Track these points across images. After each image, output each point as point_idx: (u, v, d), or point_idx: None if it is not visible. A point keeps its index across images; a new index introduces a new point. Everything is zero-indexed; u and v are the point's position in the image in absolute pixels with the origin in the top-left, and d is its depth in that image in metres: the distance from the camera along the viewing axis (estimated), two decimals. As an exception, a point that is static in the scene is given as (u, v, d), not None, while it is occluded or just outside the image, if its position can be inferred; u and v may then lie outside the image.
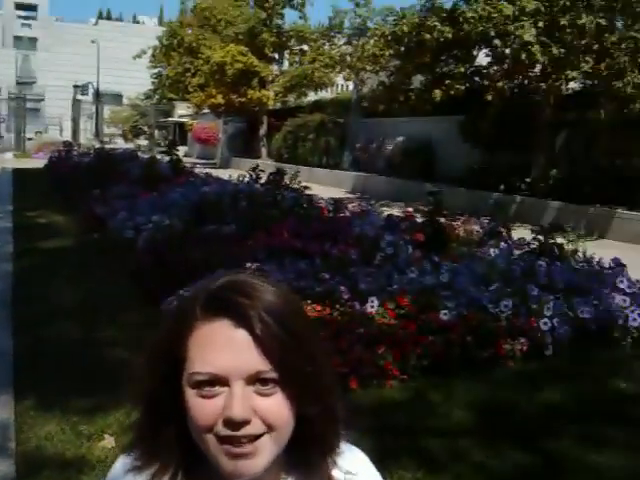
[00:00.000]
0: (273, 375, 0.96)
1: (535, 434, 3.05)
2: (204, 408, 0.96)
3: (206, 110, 29.30)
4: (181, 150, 21.08)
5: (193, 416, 0.97)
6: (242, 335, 0.96)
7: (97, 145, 23.86)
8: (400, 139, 18.23)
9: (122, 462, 1.11)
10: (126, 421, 2.87)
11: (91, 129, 46.17)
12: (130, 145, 39.35)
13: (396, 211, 8.68)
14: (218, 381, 0.96)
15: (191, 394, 0.97)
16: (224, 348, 0.96)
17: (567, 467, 2.80)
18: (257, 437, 0.96)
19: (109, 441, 2.71)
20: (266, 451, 0.97)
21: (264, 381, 0.96)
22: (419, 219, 6.27)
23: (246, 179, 7.92)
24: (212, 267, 4.59)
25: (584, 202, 11.76)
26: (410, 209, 7.21)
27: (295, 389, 0.98)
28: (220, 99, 25.18)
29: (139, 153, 16.52)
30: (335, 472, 1.08)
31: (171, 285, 4.50)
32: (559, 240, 5.62)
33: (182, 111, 38.47)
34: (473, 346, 3.80)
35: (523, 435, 3.02)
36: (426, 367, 3.64)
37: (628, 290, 4.80)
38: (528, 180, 13.50)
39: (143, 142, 44.96)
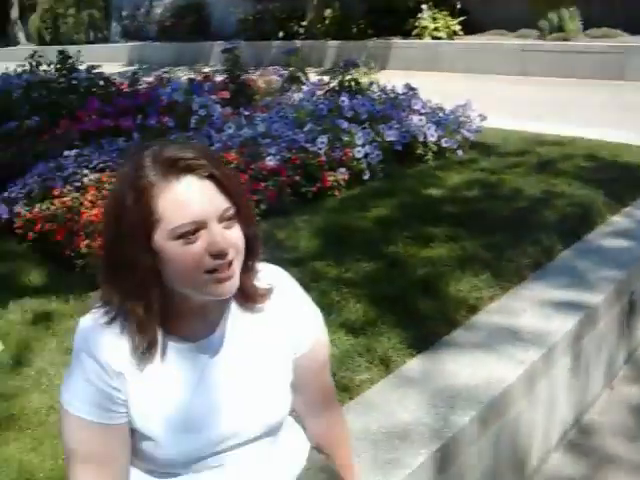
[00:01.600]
0: (232, 211, 1.21)
1: (375, 244, 3.49)
2: (191, 250, 1.18)
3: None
4: None
5: (182, 260, 1.18)
6: (206, 183, 1.19)
7: None
8: (168, 0, 17.47)
9: (95, 308, 1.29)
10: (5, 324, 2.93)
11: None
12: None
13: (185, 75, 8.59)
14: (197, 226, 1.17)
15: (174, 246, 1.18)
16: (197, 199, 1.18)
17: (408, 263, 3.29)
18: (230, 263, 1.20)
19: (-5, 346, 2.76)
20: (237, 271, 1.23)
21: (227, 217, 1.20)
22: (218, 78, 6.35)
23: (21, 69, 7.40)
24: (28, 163, 4.49)
25: (361, 37, 12.23)
26: (206, 69, 7.22)
27: (243, 218, 1.23)
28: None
29: None
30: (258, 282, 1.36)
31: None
32: (355, 75, 6.00)
33: None
34: (301, 184, 4.15)
35: (366, 248, 3.44)
36: (264, 212, 3.87)
37: (423, 110, 5.35)
38: (304, 24, 13.68)
39: None
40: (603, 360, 3.17)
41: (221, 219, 1.19)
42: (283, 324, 1.39)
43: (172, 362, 1.29)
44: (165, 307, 1.25)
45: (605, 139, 5.73)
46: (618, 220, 3.96)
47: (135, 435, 1.30)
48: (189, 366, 1.30)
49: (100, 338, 1.24)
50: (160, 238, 1.18)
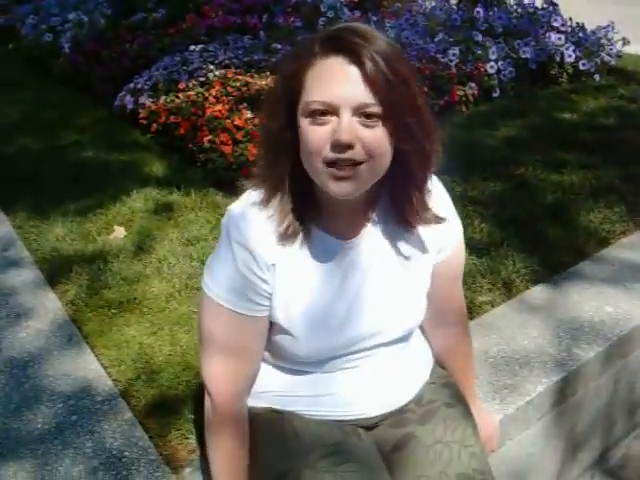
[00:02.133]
0: (377, 110, 1.09)
1: (502, 165, 3.34)
2: (316, 132, 1.10)
3: None
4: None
5: (306, 141, 1.11)
6: (354, 70, 1.09)
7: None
8: None
9: (247, 196, 1.25)
10: (128, 211, 3.00)
11: None
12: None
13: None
14: (329, 110, 1.09)
15: (305, 122, 1.11)
16: (337, 80, 1.09)
17: (537, 187, 3.13)
18: (357, 164, 1.11)
19: (119, 231, 2.83)
20: (364, 177, 1.13)
21: (368, 115, 1.09)
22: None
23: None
24: (152, 57, 4.51)
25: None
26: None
27: (395, 125, 1.11)
28: None
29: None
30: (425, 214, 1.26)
31: (112, 83, 4.42)
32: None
33: None
34: (430, 95, 3.97)
35: (492, 167, 3.30)
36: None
37: (562, 28, 4.99)
38: None
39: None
40: None
41: (356, 112, 1.09)
42: (432, 233, 1.32)
43: (320, 257, 1.26)
44: (310, 197, 1.21)
45: None
46: None
47: (272, 328, 1.29)
48: (336, 263, 1.27)
49: (252, 227, 1.21)
50: (300, 111, 1.13)
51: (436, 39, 4.47)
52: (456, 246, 1.40)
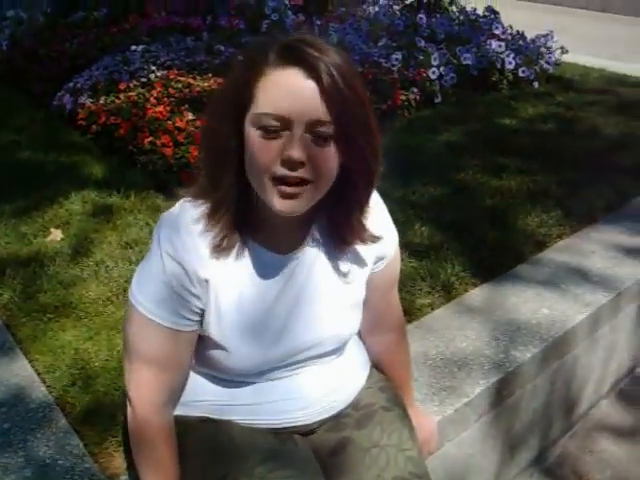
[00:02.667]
0: (330, 128, 1.06)
1: (444, 169, 3.39)
2: (266, 147, 1.06)
3: None
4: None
5: (255, 154, 1.07)
6: (311, 85, 1.05)
7: None
8: None
9: (182, 203, 1.21)
10: (65, 214, 2.93)
11: None
12: None
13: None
14: (282, 123, 1.05)
15: (255, 134, 1.07)
16: (293, 94, 1.05)
17: (476, 191, 3.19)
18: (305, 182, 1.08)
19: (56, 234, 2.76)
20: (309, 195, 1.10)
21: (320, 133, 1.06)
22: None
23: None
24: (93, 57, 4.42)
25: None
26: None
27: (346, 144, 1.08)
28: None
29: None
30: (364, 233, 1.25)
31: (51, 82, 4.32)
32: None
33: None
34: (372, 100, 3.98)
35: (433, 171, 3.34)
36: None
37: (503, 36, 5.10)
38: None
39: None
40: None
41: (309, 129, 1.05)
42: (369, 247, 1.30)
43: (256, 271, 1.23)
44: (248, 209, 1.18)
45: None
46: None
47: (206, 343, 1.26)
48: (272, 277, 1.24)
49: (185, 239, 1.16)
50: (248, 120, 1.08)
51: (379, 44, 4.51)
52: (393, 256, 1.40)
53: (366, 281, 1.36)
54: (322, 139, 1.07)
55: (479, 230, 2.81)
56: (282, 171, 1.06)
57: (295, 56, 1.06)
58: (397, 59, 4.28)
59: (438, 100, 4.38)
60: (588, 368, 2.56)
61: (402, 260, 2.41)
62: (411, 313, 2.23)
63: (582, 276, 2.57)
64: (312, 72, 1.05)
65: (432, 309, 2.31)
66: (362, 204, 1.21)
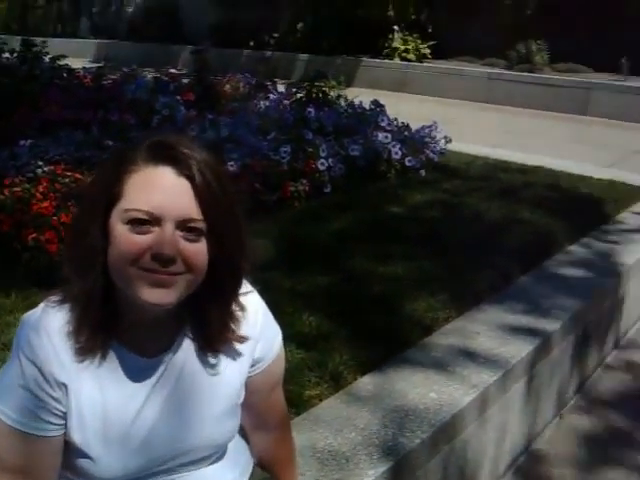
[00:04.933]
0: (201, 225, 1.08)
1: (332, 258, 3.43)
2: (135, 241, 1.06)
3: None
4: None
5: (122, 248, 1.06)
6: (183, 183, 1.07)
7: None
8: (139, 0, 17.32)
9: (45, 304, 1.18)
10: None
11: None
12: None
13: (152, 75, 8.44)
14: (152, 220, 1.06)
15: (122, 229, 1.07)
16: (164, 191, 1.06)
17: (364, 279, 3.23)
18: (176, 274, 1.08)
19: None
20: (181, 287, 1.10)
21: (191, 229, 1.07)
22: (185, 79, 6.26)
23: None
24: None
25: (331, 53, 12.26)
26: (173, 70, 7.11)
27: (216, 241, 1.10)
28: None
29: None
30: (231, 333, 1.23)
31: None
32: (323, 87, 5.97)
33: None
34: (262, 191, 4.07)
35: (322, 261, 3.38)
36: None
37: (388, 128, 5.33)
38: (276, 35, 13.67)
39: None
40: (555, 388, 3.15)
41: (180, 225, 1.07)
42: (246, 347, 1.28)
43: (120, 376, 1.18)
44: (114, 311, 1.15)
45: (567, 170, 5.79)
46: (576, 250, 3.97)
47: (70, 449, 1.20)
48: (138, 382, 1.20)
49: (45, 341, 1.12)
50: (115, 216, 1.08)
51: (269, 137, 4.62)
52: (275, 358, 1.36)
53: (245, 383, 1.32)
54: (193, 235, 1.08)
55: (367, 317, 2.84)
56: (152, 265, 1.06)
57: (166, 154, 1.08)
58: (286, 151, 4.38)
59: (327, 190, 4.50)
60: (481, 449, 2.58)
61: (290, 351, 2.42)
62: (299, 405, 2.21)
63: (469, 357, 2.63)
64: (184, 170, 1.07)
65: (321, 400, 2.29)
66: (227, 300, 1.21)
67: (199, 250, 1.09)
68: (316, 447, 2.03)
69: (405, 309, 2.97)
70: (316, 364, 2.47)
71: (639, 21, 10.64)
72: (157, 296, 1.09)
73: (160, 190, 1.06)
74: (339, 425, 2.15)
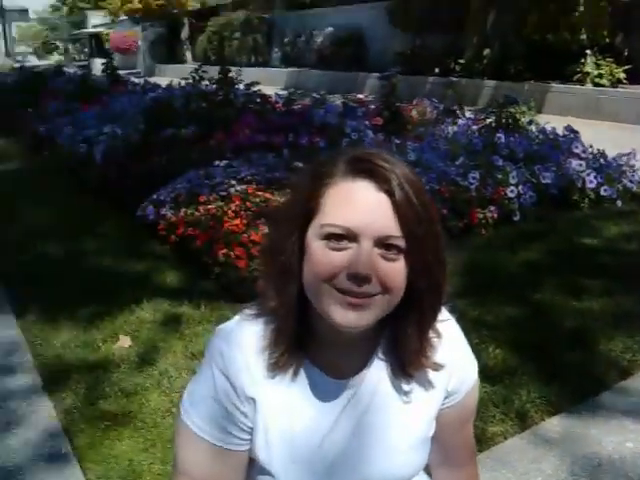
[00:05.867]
0: (401, 243, 1.01)
1: (520, 289, 3.28)
2: (331, 258, 1.01)
3: (123, 17, 28.02)
4: (98, 62, 20.15)
5: (317, 265, 1.02)
6: (382, 198, 1.01)
7: (15, 64, 22.75)
8: (329, 30, 17.87)
9: (240, 316, 1.17)
10: (136, 321, 2.97)
11: (-1, 49, 43.61)
12: (45, 62, 37.38)
13: (340, 101, 8.65)
14: (349, 236, 1.01)
15: (319, 245, 1.02)
16: (362, 207, 1.01)
17: (555, 312, 3.05)
18: (371, 295, 1.02)
19: (124, 340, 2.79)
20: (376, 308, 1.03)
21: (390, 246, 1.01)
22: (372, 105, 6.33)
23: (185, 82, 7.71)
24: (179, 170, 4.61)
25: (518, 79, 11.92)
26: (360, 96, 7.23)
27: (416, 260, 1.03)
28: (137, 4, 24.09)
29: (64, 68, 15.73)
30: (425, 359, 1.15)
31: (138, 193, 4.50)
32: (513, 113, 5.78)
33: (96, 20, 36.62)
34: (449, 217, 3.97)
35: (510, 291, 3.24)
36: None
37: (583, 155, 5.04)
38: (462, 61, 13.52)
39: (57, 57, 42.83)
40: None
41: (378, 243, 1.01)
42: (441, 377, 1.19)
43: (311, 396, 1.15)
44: (309, 330, 1.11)
45: None
46: None
47: (253, 465, 1.18)
48: (328, 404, 1.15)
49: (237, 354, 1.11)
50: (312, 231, 1.04)
51: (457, 162, 4.52)
52: (469, 391, 1.25)
53: (441, 414, 1.24)
54: (392, 254, 1.02)
55: (558, 354, 2.67)
56: (347, 284, 1.01)
57: (366, 168, 1.03)
58: (474, 177, 4.27)
59: (516, 218, 4.32)
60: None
61: (474, 384, 2.30)
62: (482, 441, 2.09)
63: (671, 408, 2.37)
64: (384, 185, 1.02)
65: (505, 438, 2.16)
66: (427, 324, 1.14)
67: (397, 270, 1.02)
68: (499, 489, 1.91)
69: (600, 348, 2.75)
70: (501, 400, 2.34)
71: None
72: (350, 318, 1.03)
73: (358, 205, 1.01)
74: (524, 468, 2.02)
